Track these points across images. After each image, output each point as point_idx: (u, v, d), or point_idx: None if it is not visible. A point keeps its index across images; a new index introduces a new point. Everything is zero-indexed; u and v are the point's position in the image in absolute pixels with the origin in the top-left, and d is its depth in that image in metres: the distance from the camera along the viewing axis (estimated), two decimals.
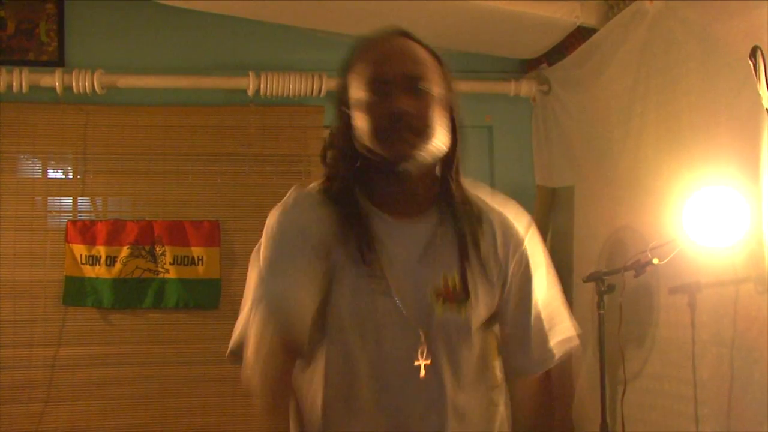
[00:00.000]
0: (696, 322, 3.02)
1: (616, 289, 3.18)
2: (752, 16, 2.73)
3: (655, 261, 2.90)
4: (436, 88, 1.62)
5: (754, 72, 2.21)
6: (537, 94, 4.54)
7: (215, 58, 4.51)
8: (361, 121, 1.61)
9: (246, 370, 1.58)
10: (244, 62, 4.44)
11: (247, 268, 4.55)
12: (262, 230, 5.11)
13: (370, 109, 1.60)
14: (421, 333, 1.61)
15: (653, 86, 3.41)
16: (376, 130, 1.59)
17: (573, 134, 4.22)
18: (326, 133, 4.82)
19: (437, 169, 1.68)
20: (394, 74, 1.60)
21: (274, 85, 4.32)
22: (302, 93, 4.36)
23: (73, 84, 4.17)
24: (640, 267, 2.95)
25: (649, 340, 3.40)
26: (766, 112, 2.32)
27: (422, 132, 1.59)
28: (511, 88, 4.53)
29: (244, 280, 4.82)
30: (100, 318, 4.30)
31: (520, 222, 1.74)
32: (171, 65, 4.41)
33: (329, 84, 4.36)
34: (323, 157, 1.71)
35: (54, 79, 4.17)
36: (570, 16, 3.88)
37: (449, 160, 1.68)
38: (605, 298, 3.18)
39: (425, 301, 1.62)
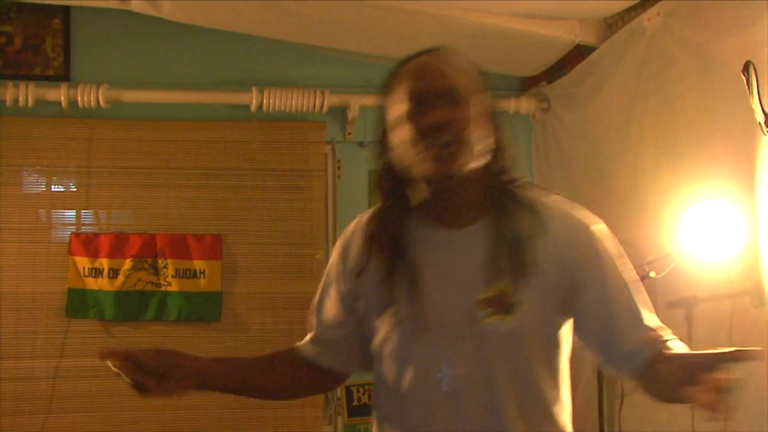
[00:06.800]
0: (693, 336, 3.05)
1: None
2: (748, 34, 2.78)
3: (652, 274, 2.93)
4: (472, 99, 1.63)
5: (747, 86, 2.25)
6: (536, 112, 4.58)
7: (219, 73, 4.56)
8: (400, 138, 1.63)
9: None
10: (247, 78, 4.49)
11: (248, 282, 4.68)
12: (263, 243, 5.12)
13: (408, 124, 1.61)
14: (449, 345, 1.61)
15: (651, 103, 3.46)
16: (415, 144, 1.60)
17: (572, 151, 4.26)
18: (328, 148, 4.88)
19: (487, 177, 1.68)
20: (429, 88, 1.61)
21: (276, 100, 4.36)
22: (305, 109, 4.40)
23: (79, 98, 4.21)
24: None
25: None
26: (759, 127, 2.36)
27: (460, 141, 1.59)
28: (510, 105, 4.56)
29: (246, 293, 4.89)
30: (102, 330, 4.33)
31: (587, 224, 1.68)
32: (175, 80, 4.46)
33: (331, 100, 4.41)
34: (377, 184, 1.75)
35: (59, 94, 4.21)
36: (569, 35, 3.93)
37: (496, 167, 1.69)
38: None
39: (469, 311, 1.61)
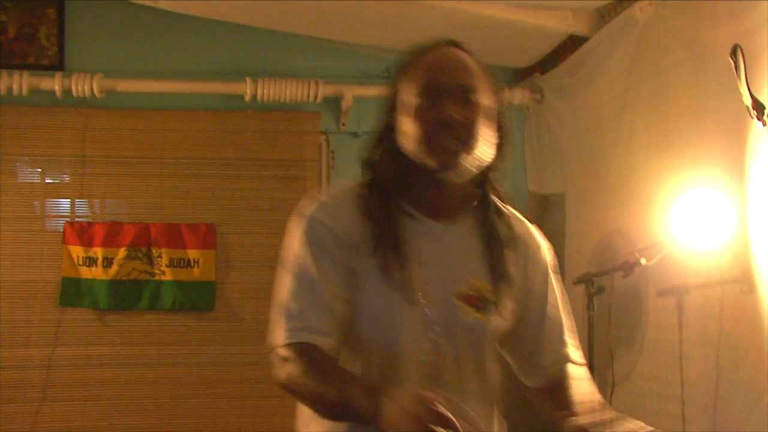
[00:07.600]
0: (683, 323, 3.07)
1: (605, 291, 3.23)
2: (738, 23, 2.79)
3: (643, 261, 2.94)
4: (485, 99, 1.67)
5: (735, 70, 2.27)
6: (530, 103, 4.59)
7: (213, 63, 4.57)
8: (408, 126, 1.65)
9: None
10: (241, 68, 4.50)
11: (241, 271, 4.60)
12: (257, 233, 5.10)
13: (420, 115, 1.64)
14: (434, 333, 1.65)
15: (643, 92, 3.47)
16: (424, 136, 1.63)
17: (565, 141, 4.28)
18: (322, 138, 4.87)
19: (478, 177, 1.72)
20: (446, 83, 1.64)
21: (271, 90, 4.37)
22: (299, 99, 4.41)
23: (73, 88, 4.22)
24: (628, 267, 2.99)
25: (638, 342, 3.44)
26: (748, 113, 2.39)
27: (468, 141, 1.63)
28: (504, 96, 4.58)
29: (239, 282, 4.88)
30: (96, 319, 4.35)
31: (543, 242, 1.83)
32: (169, 70, 4.47)
33: (325, 90, 4.42)
34: (365, 158, 1.76)
35: (54, 83, 4.21)
36: (562, 25, 3.94)
37: (491, 169, 1.74)
38: (595, 299, 3.22)
39: (448, 303, 1.67)
